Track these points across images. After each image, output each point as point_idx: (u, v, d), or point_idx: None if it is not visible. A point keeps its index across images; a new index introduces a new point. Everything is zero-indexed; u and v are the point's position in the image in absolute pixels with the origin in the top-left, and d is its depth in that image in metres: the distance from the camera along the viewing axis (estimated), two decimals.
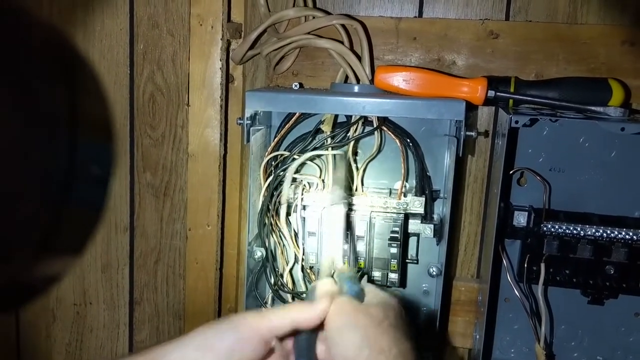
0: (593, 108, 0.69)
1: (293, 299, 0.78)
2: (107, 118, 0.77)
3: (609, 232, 0.71)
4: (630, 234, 0.70)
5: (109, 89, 0.82)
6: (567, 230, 0.71)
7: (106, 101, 0.80)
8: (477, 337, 0.79)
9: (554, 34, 0.75)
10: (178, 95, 0.77)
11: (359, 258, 0.74)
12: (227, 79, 0.77)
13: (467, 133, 0.67)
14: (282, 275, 0.78)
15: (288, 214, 0.76)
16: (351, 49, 0.75)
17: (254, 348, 0.47)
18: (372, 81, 0.75)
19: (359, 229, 0.72)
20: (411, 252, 0.79)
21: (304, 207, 0.74)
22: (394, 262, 0.73)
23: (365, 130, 0.74)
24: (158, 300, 0.89)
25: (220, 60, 0.74)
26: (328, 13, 0.78)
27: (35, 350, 0.91)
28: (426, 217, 0.75)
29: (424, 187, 0.74)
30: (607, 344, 0.78)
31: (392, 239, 0.72)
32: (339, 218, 0.60)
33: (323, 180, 0.76)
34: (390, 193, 0.75)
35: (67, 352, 0.93)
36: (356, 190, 0.75)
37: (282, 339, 0.49)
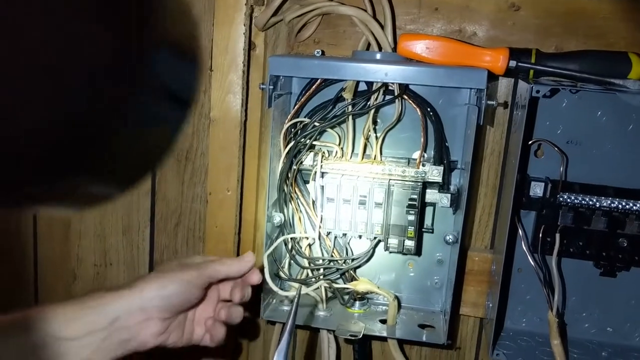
0: (612, 80, 0.69)
1: (309, 264, 0.79)
2: None
3: (624, 204, 0.72)
4: None
5: None
6: (582, 202, 0.72)
7: None
8: (490, 306, 0.80)
9: (574, 8, 0.75)
10: (201, 59, 0.78)
11: (376, 225, 0.75)
12: (250, 45, 0.78)
13: (488, 102, 0.68)
14: (299, 242, 0.79)
15: (307, 181, 0.77)
16: (374, 17, 0.76)
17: (193, 296, 0.61)
18: (394, 50, 0.75)
19: (378, 196, 0.74)
20: (427, 221, 0.80)
21: (322, 175, 0.76)
22: (411, 229, 0.74)
23: (386, 99, 0.74)
24: None
25: (244, 26, 0.75)
26: None
27: None
28: (443, 187, 0.76)
29: (442, 157, 0.75)
30: (618, 316, 0.79)
31: (410, 206, 0.73)
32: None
33: (342, 148, 0.77)
34: (409, 162, 0.76)
35: None
36: (375, 158, 0.76)
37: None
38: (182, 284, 0.60)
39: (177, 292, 0.59)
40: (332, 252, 0.79)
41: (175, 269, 0.61)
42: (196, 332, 0.66)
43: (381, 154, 0.77)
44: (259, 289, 0.73)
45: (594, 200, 0.72)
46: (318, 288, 0.80)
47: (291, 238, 0.78)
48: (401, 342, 0.86)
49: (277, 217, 0.77)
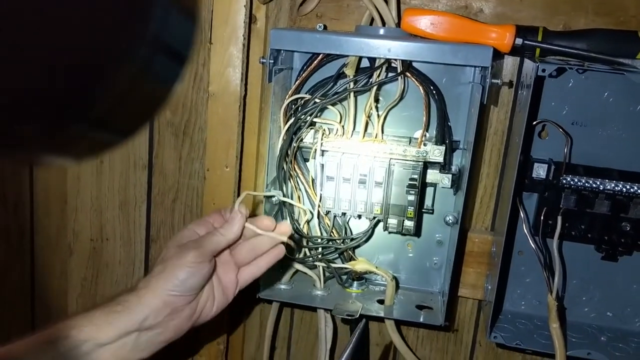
0: (621, 60, 0.68)
1: (308, 243, 0.78)
2: None
3: (628, 187, 0.71)
4: None
5: None
6: (585, 184, 0.71)
7: None
8: (489, 288, 0.80)
9: None
10: (201, 32, 0.76)
11: (375, 204, 0.74)
12: (250, 18, 0.76)
13: (493, 81, 0.67)
14: (298, 220, 0.78)
15: (306, 159, 0.76)
16: None
17: (205, 272, 0.61)
18: (398, 25, 0.74)
19: (378, 175, 0.73)
20: (427, 202, 0.79)
21: (322, 153, 0.74)
22: (410, 209, 0.73)
23: (389, 76, 0.73)
24: None
25: None
26: None
27: (50, 286, 0.92)
28: (445, 167, 0.75)
29: (444, 137, 0.74)
30: (618, 301, 0.79)
31: (410, 185, 0.72)
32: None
33: (343, 126, 0.76)
34: (410, 142, 0.75)
35: (83, 286, 0.94)
36: (376, 137, 0.75)
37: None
38: (187, 268, 0.60)
39: (186, 277, 0.60)
40: (331, 231, 0.78)
41: (174, 255, 0.61)
42: (229, 290, 0.66)
43: (382, 132, 0.76)
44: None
45: (598, 183, 0.71)
46: (316, 267, 0.79)
47: (290, 216, 0.78)
48: (398, 323, 0.85)
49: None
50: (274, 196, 0.75)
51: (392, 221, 0.75)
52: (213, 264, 0.63)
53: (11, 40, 0.18)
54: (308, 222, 0.78)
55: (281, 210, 0.78)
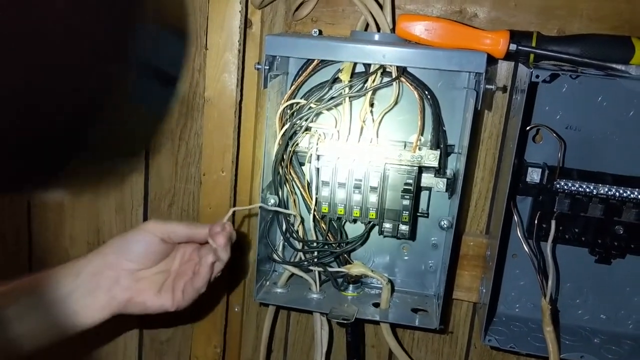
0: (614, 66, 0.68)
1: (303, 247, 0.79)
2: None
3: (621, 191, 0.71)
4: None
5: None
6: (579, 189, 0.72)
7: None
8: (484, 291, 0.80)
9: None
10: (196, 37, 0.76)
11: (370, 209, 0.74)
12: (246, 23, 0.76)
13: (487, 86, 0.67)
14: (293, 224, 0.79)
15: (302, 163, 0.77)
16: None
17: (158, 251, 0.65)
18: (392, 30, 0.74)
19: (373, 180, 0.73)
20: (422, 205, 0.79)
21: (318, 157, 0.75)
22: (405, 213, 0.74)
23: (384, 81, 0.73)
24: None
25: (240, 3, 0.73)
26: None
27: None
28: (440, 171, 0.75)
29: (439, 141, 0.74)
30: (612, 304, 0.79)
31: (405, 190, 0.72)
32: None
33: (338, 131, 0.76)
34: (405, 146, 0.75)
35: None
36: (371, 141, 0.75)
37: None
38: (140, 232, 0.64)
39: (135, 239, 0.64)
40: (327, 235, 0.78)
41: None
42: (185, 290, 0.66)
43: (377, 137, 0.76)
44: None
45: (592, 187, 0.71)
46: (312, 271, 0.80)
47: (285, 220, 0.78)
48: (394, 326, 0.86)
49: (272, 200, 0.76)
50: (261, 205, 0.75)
51: (387, 225, 0.75)
52: (166, 251, 0.66)
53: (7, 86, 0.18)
54: (302, 223, 0.78)
55: (277, 215, 0.78)
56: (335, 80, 0.74)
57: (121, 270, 0.64)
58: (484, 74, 0.67)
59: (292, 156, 0.76)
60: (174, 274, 0.66)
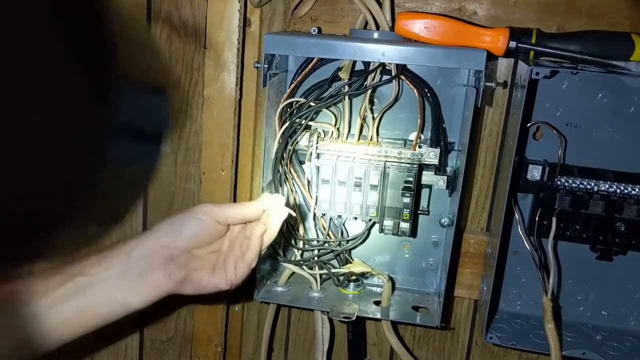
0: (614, 62, 0.68)
1: (304, 245, 0.79)
2: None
3: (622, 188, 0.71)
4: None
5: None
6: (580, 185, 0.72)
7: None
8: (485, 288, 0.80)
9: None
10: (195, 37, 0.76)
11: (371, 207, 0.74)
12: (245, 22, 0.76)
13: (486, 84, 0.67)
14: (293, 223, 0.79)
15: (302, 162, 0.76)
16: None
17: (212, 232, 0.62)
18: (392, 28, 0.74)
19: (373, 178, 0.73)
20: (423, 203, 0.79)
21: (318, 156, 0.75)
22: (406, 211, 0.73)
23: (383, 79, 0.73)
24: None
25: (239, 2, 0.73)
26: None
27: None
28: (440, 169, 0.75)
29: (439, 139, 0.74)
30: (613, 300, 0.79)
31: (405, 188, 0.72)
32: None
33: (338, 129, 0.76)
34: (405, 144, 0.75)
35: None
36: (371, 139, 0.75)
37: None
38: (195, 212, 0.62)
39: (191, 220, 0.62)
40: (327, 233, 0.78)
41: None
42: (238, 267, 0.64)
43: (377, 135, 0.76)
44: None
45: (592, 184, 0.71)
46: (313, 269, 0.80)
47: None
48: (395, 323, 0.86)
49: None
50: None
51: (388, 223, 0.75)
52: (219, 234, 0.63)
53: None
54: (302, 221, 0.78)
55: None
56: (335, 78, 0.73)
57: (176, 248, 0.61)
58: (483, 71, 0.66)
59: (292, 154, 0.75)
60: (224, 254, 0.64)
